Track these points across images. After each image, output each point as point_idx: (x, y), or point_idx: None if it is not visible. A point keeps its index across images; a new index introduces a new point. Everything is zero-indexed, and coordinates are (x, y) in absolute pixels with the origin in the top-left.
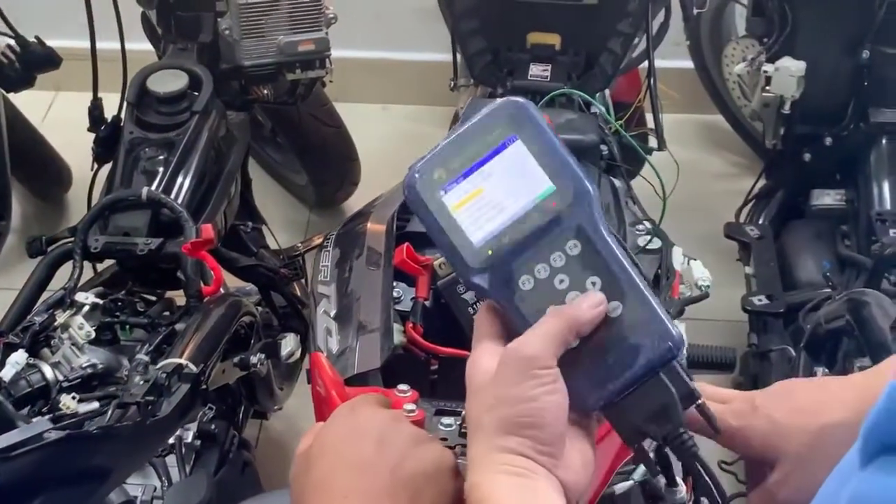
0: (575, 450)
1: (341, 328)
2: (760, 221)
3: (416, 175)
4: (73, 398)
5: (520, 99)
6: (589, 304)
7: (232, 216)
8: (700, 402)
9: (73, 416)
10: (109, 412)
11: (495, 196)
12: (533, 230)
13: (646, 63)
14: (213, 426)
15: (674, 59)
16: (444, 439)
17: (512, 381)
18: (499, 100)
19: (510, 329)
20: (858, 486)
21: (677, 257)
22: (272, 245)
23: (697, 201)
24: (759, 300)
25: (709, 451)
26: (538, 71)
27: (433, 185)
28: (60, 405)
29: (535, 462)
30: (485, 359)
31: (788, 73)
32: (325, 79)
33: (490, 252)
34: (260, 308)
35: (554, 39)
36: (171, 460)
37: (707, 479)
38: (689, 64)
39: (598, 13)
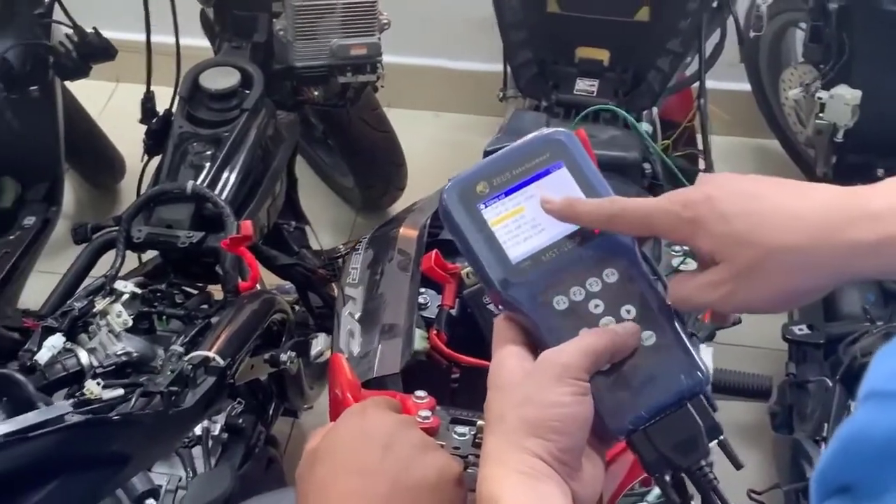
0: (588, 465)
1: (364, 331)
2: None
3: (457, 185)
4: (98, 384)
5: (568, 131)
6: (626, 330)
7: (276, 214)
8: (723, 437)
9: (96, 401)
10: (133, 400)
11: (536, 216)
12: (572, 253)
13: (697, 83)
14: (240, 420)
15: (727, 80)
16: (457, 448)
17: (545, 385)
18: (548, 129)
19: (535, 343)
20: None
21: None
22: (314, 246)
23: None
24: (800, 329)
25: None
26: (585, 86)
27: (474, 197)
28: (85, 391)
29: (552, 468)
30: (511, 360)
31: (843, 101)
32: (376, 83)
33: (527, 269)
34: (297, 307)
35: (602, 55)
36: (197, 452)
37: None
38: (742, 86)
39: (649, 30)
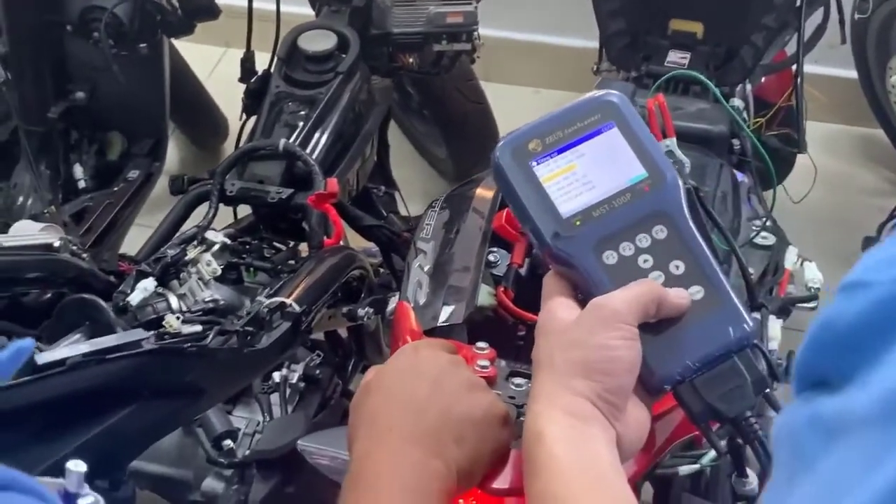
0: (634, 411)
1: (432, 283)
2: None
3: (510, 143)
4: (178, 318)
5: (619, 92)
6: (677, 291)
7: (365, 178)
8: (769, 390)
9: (175, 334)
10: (210, 336)
11: (588, 174)
12: (622, 209)
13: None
14: (318, 372)
15: (829, 65)
16: (512, 398)
17: (594, 329)
18: (602, 90)
19: (584, 296)
20: (776, 418)
21: (791, 257)
22: (403, 212)
23: (840, 214)
24: None
25: None
26: (676, 58)
27: (526, 154)
28: (165, 324)
29: (597, 408)
30: (561, 310)
31: None
32: (473, 55)
33: (578, 223)
34: (381, 270)
35: (696, 27)
36: (275, 399)
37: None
38: (844, 72)
39: (745, 4)
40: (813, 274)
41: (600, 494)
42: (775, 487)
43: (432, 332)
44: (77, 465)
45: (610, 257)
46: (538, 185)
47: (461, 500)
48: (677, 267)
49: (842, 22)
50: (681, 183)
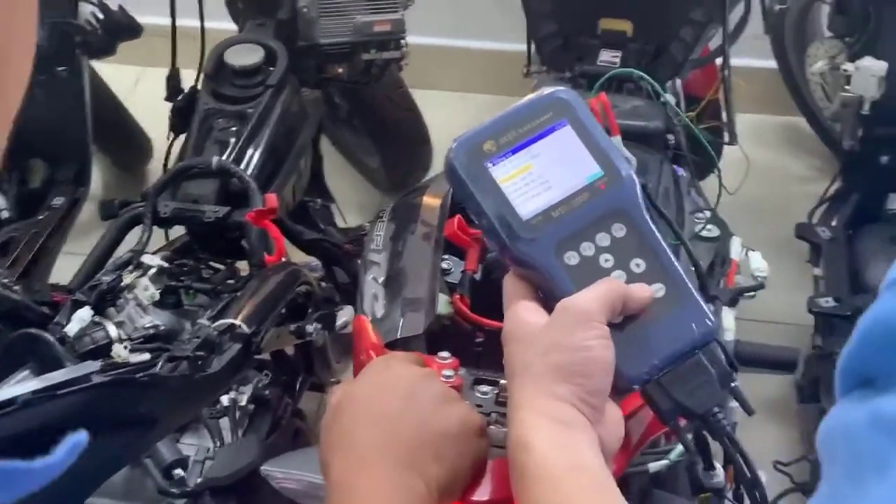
0: (610, 412)
1: (388, 295)
2: (833, 223)
3: (464, 145)
4: (126, 348)
5: (570, 89)
6: (640, 286)
7: (301, 192)
8: (735, 384)
9: (123, 364)
10: (160, 364)
11: (544, 173)
12: (581, 209)
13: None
14: (267, 392)
15: (753, 56)
16: (480, 406)
17: (568, 331)
18: (551, 88)
19: (547, 298)
20: (827, 418)
21: (735, 247)
22: (340, 224)
23: (771, 202)
24: (827, 302)
25: (765, 452)
26: (608, 57)
27: (481, 155)
28: (113, 354)
29: (580, 412)
30: (527, 313)
31: (869, 73)
32: (401, 62)
33: (537, 225)
34: (324, 283)
35: (625, 26)
36: (224, 423)
37: (739, 457)
38: (768, 63)
39: (672, 1)
40: (758, 263)
41: (598, 498)
42: (836, 491)
43: (393, 344)
44: None
45: (571, 258)
46: (496, 186)
47: None
48: (638, 265)
49: (765, 13)
50: (636, 180)
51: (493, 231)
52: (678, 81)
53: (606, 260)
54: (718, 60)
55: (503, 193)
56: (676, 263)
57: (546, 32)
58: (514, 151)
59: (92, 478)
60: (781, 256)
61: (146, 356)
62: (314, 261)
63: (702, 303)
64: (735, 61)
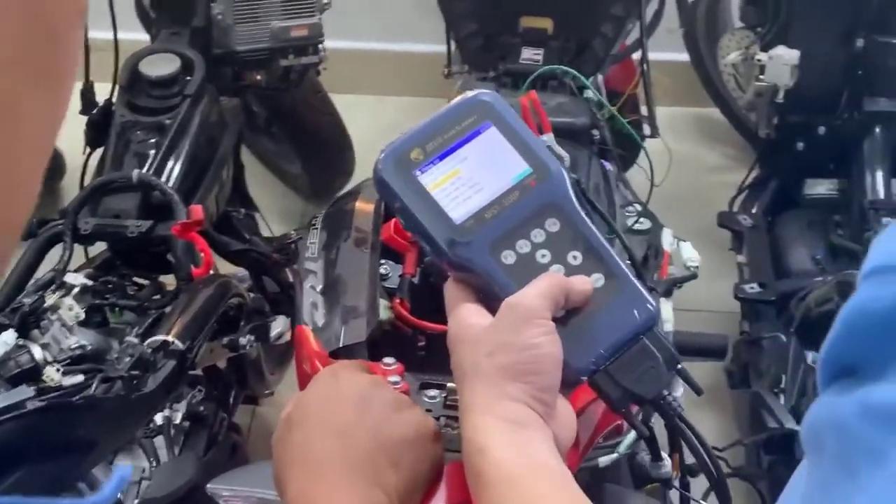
0: (561, 408)
1: (327, 303)
2: (754, 211)
3: (391, 155)
4: (58, 370)
5: (492, 91)
6: (580, 278)
7: (224, 202)
8: (681, 366)
9: (56, 388)
10: (94, 385)
11: (473, 176)
12: (513, 208)
13: (640, 52)
14: (202, 408)
15: (669, 50)
16: (429, 411)
17: (513, 330)
18: (472, 91)
19: (487, 300)
20: (812, 409)
21: (667, 238)
22: (265, 233)
23: (692, 192)
24: (752, 288)
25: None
26: (530, 55)
27: (409, 164)
28: (44, 377)
29: (533, 410)
30: (471, 316)
31: (782, 61)
32: (319, 67)
33: (471, 228)
34: (252, 294)
35: (546, 23)
36: (159, 441)
37: (693, 437)
38: (684, 56)
39: None
40: (689, 253)
41: (559, 496)
42: (828, 482)
43: (336, 353)
44: None
45: (508, 257)
46: (426, 194)
47: None
48: (575, 257)
49: (680, 6)
50: (566, 173)
51: (429, 239)
52: (600, 77)
53: (543, 255)
54: (637, 55)
55: (434, 200)
56: (613, 252)
57: (467, 32)
58: (442, 157)
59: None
60: (704, 245)
61: (80, 378)
62: (241, 271)
63: (641, 289)
64: (652, 55)
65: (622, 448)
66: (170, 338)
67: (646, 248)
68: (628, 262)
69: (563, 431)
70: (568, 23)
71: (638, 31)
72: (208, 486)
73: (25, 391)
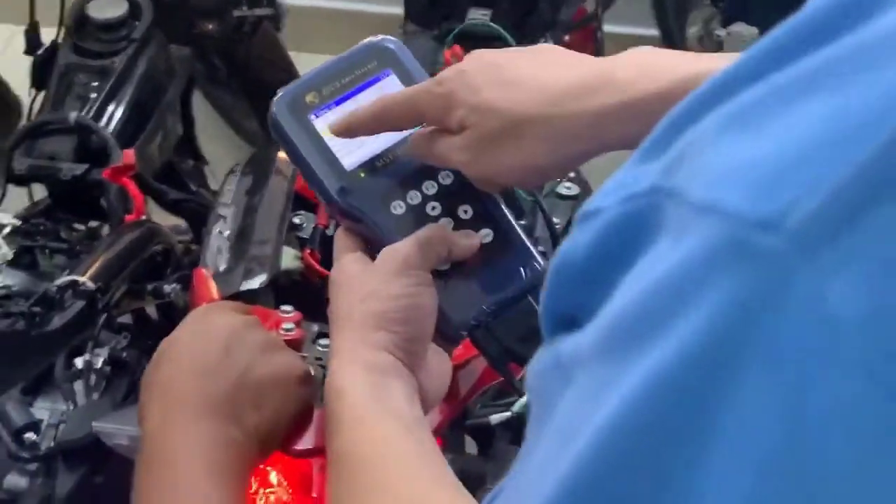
0: (434, 360)
1: (233, 248)
2: None
3: (286, 97)
4: None
5: (393, 38)
6: (466, 232)
7: (169, 152)
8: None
9: None
10: None
11: None
12: (406, 158)
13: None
14: (124, 354)
15: (634, 23)
16: (319, 359)
17: (387, 279)
18: (377, 37)
19: (375, 250)
20: (528, 367)
21: None
22: (214, 187)
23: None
24: None
25: None
26: (477, 15)
27: (304, 108)
28: None
29: (398, 359)
30: (351, 265)
31: (741, 38)
32: (278, 23)
33: (361, 176)
34: (193, 247)
35: None
36: (79, 386)
37: None
38: (645, 30)
39: None
40: None
41: (400, 445)
42: (527, 442)
43: (235, 298)
44: None
45: (398, 207)
46: (318, 139)
47: (267, 468)
48: (465, 211)
49: None
50: None
51: (318, 184)
52: (549, 42)
53: (433, 208)
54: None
55: (326, 146)
56: (504, 208)
57: None
58: (339, 102)
59: None
60: None
61: None
62: (184, 224)
63: (531, 248)
64: (611, 27)
65: (516, 407)
66: (80, 278)
67: (570, 215)
68: (522, 222)
69: (434, 383)
70: None
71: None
72: (94, 423)
73: None
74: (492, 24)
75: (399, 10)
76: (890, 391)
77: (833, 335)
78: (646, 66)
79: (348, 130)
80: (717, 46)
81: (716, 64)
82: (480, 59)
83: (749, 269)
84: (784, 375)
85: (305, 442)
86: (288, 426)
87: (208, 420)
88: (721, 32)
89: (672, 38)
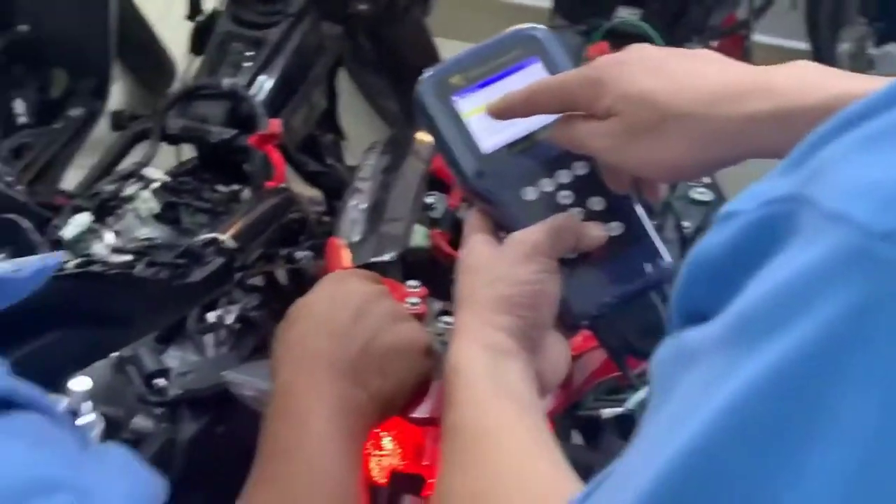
0: (553, 346)
1: (367, 222)
2: None
3: (432, 77)
4: (106, 246)
5: (542, 27)
6: (595, 224)
7: (312, 124)
8: None
9: (100, 262)
10: (138, 267)
11: None
12: (543, 145)
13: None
14: (254, 314)
15: (783, 36)
16: (441, 335)
17: (514, 263)
18: (527, 25)
19: (505, 233)
20: (653, 356)
21: None
22: (350, 162)
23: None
24: None
25: None
26: (626, 13)
27: (448, 88)
28: (92, 251)
29: (518, 344)
30: (481, 247)
31: (893, 59)
32: (426, 6)
33: (498, 160)
34: (326, 218)
35: None
36: (209, 339)
37: None
38: (797, 44)
39: None
40: None
41: (515, 424)
42: (640, 428)
43: (365, 268)
44: (80, 384)
45: (530, 193)
46: (459, 120)
47: (383, 432)
48: (598, 203)
49: None
50: None
51: (455, 164)
52: (697, 47)
53: (565, 196)
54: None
55: (466, 127)
56: (636, 204)
57: None
58: (482, 86)
59: (65, 367)
60: None
61: (127, 258)
62: (319, 195)
63: (658, 244)
64: (761, 38)
65: (630, 403)
66: (221, 236)
67: (700, 220)
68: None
69: (551, 369)
70: None
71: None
72: (224, 372)
73: (62, 255)
74: (641, 23)
75: (547, 3)
76: None
77: None
78: (804, 79)
79: (501, 111)
80: (869, 65)
81: (868, 85)
82: (639, 52)
83: (870, 274)
84: (890, 370)
85: (422, 411)
86: (407, 394)
87: (336, 380)
88: (874, 51)
89: (822, 54)
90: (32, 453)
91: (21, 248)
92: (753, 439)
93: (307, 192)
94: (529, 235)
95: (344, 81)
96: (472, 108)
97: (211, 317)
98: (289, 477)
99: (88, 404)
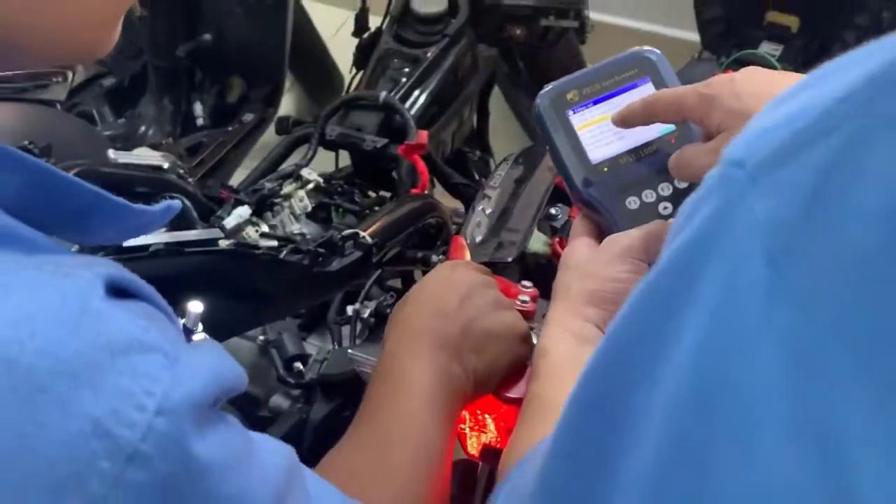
0: None
1: (491, 225)
2: None
3: (551, 92)
4: (256, 231)
5: (657, 50)
6: None
7: (461, 141)
8: None
9: (250, 244)
10: (283, 252)
11: None
12: (648, 159)
13: None
14: (388, 310)
15: None
16: None
17: (607, 262)
18: (642, 48)
19: (605, 237)
20: None
21: None
22: None
23: None
24: None
25: None
26: (769, 49)
27: (564, 103)
28: (243, 233)
29: (602, 334)
30: (581, 248)
31: None
32: (583, 35)
33: (604, 170)
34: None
35: (792, 21)
36: (346, 330)
37: None
38: None
39: (841, 1)
40: None
41: None
42: None
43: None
44: (196, 307)
45: (633, 202)
46: (572, 132)
47: (485, 414)
48: None
49: None
50: None
51: (566, 173)
52: None
53: (665, 207)
54: None
55: (578, 139)
56: None
57: (710, 16)
58: (596, 102)
59: (214, 331)
60: None
61: (273, 243)
62: (461, 208)
63: None
64: None
65: None
66: (361, 231)
67: None
68: None
69: None
70: (814, 24)
71: None
72: (349, 349)
73: (217, 232)
74: (769, 55)
75: (695, 36)
76: (781, 272)
77: (753, 233)
78: None
79: (623, 119)
80: None
81: None
82: (752, 72)
83: (722, 191)
84: (729, 263)
85: (515, 391)
86: (501, 374)
87: (436, 353)
88: None
89: None
90: (138, 321)
91: (182, 223)
92: (635, 336)
93: (451, 203)
94: (624, 238)
95: (498, 101)
96: (585, 122)
97: (349, 310)
98: (385, 430)
99: (200, 325)
